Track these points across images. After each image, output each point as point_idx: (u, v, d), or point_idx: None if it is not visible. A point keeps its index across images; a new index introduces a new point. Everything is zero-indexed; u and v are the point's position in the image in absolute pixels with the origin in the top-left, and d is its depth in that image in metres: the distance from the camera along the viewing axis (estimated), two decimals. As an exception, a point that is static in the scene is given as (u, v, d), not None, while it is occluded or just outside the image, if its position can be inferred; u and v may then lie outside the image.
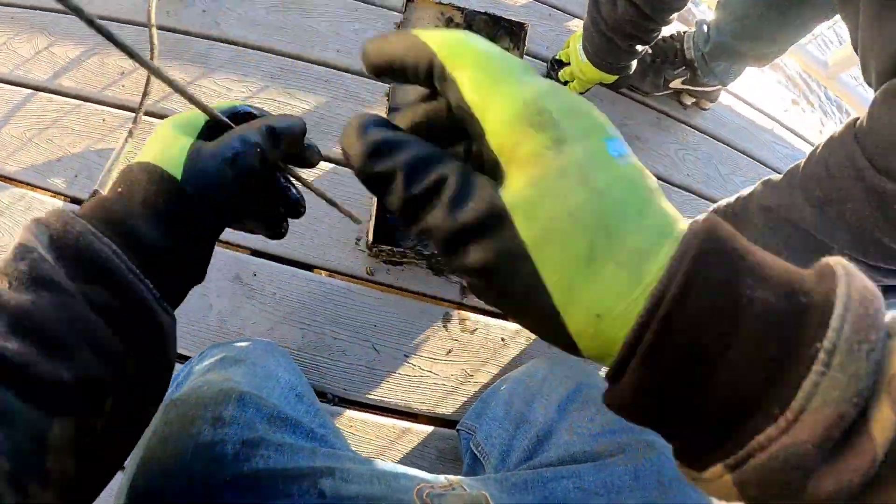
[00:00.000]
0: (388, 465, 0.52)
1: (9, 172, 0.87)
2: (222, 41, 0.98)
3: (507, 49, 0.88)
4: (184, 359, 0.69)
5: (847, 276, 0.19)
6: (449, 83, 0.22)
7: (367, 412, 0.82)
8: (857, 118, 0.50)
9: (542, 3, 1.10)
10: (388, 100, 0.88)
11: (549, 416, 0.60)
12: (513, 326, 0.89)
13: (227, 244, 0.85)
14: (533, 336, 0.90)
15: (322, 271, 0.86)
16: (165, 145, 0.33)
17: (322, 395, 0.81)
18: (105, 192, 0.33)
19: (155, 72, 0.28)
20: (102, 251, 0.29)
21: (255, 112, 0.38)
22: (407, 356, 0.84)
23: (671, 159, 1.10)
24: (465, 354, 0.86)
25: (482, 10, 0.87)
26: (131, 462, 0.42)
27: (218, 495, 0.40)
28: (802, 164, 0.55)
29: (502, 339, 0.88)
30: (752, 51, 0.98)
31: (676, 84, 1.09)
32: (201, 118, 0.35)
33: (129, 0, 1.00)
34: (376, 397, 0.82)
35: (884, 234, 0.46)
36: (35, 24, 0.97)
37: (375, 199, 0.82)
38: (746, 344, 0.18)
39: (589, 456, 0.53)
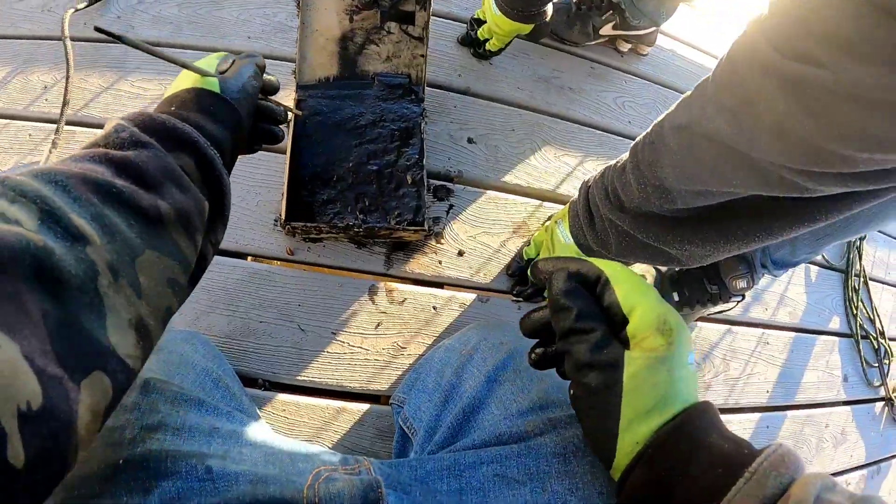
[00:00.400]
0: (296, 446, 0.51)
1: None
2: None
3: (414, 11, 0.85)
4: None
5: (780, 445, 0.31)
6: (609, 291, 0.37)
7: (299, 395, 0.80)
8: (761, 13, 0.44)
9: (458, -35, 1.07)
10: (295, 78, 0.87)
11: (478, 389, 0.56)
12: (444, 293, 0.86)
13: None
14: (467, 302, 0.87)
15: (244, 256, 0.85)
16: (198, 78, 0.46)
17: (253, 381, 0.80)
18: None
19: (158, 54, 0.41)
20: (187, 130, 0.40)
21: (235, 57, 0.53)
22: (335, 333, 0.82)
23: (609, 108, 1.05)
24: (396, 326, 0.83)
25: (386, -23, 0.84)
26: None
27: (111, 478, 0.40)
28: (712, 74, 0.50)
29: (434, 308, 0.85)
30: None
31: (608, 30, 1.04)
32: (210, 68, 0.49)
33: (51, 18, 1.01)
34: (307, 378, 0.80)
35: (805, 128, 0.40)
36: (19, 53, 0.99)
37: (287, 176, 0.80)
38: (702, 468, 0.32)
39: (515, 436, 0.49)
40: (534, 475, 0.46)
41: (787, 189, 0.46)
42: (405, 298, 0.85)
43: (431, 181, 0.91)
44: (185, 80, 0.47)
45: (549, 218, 0.89)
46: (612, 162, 0.67)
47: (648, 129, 0.59)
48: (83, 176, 0.32)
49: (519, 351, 0.59)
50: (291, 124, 0.84)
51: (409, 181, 0.84)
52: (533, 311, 0.43)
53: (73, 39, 0.96)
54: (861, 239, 1.22)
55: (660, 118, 0.57)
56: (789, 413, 1.06)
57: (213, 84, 0.46)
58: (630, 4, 0.99)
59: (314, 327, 0.82)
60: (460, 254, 0.89)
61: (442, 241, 0.89)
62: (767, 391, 1.05)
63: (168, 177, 0.37)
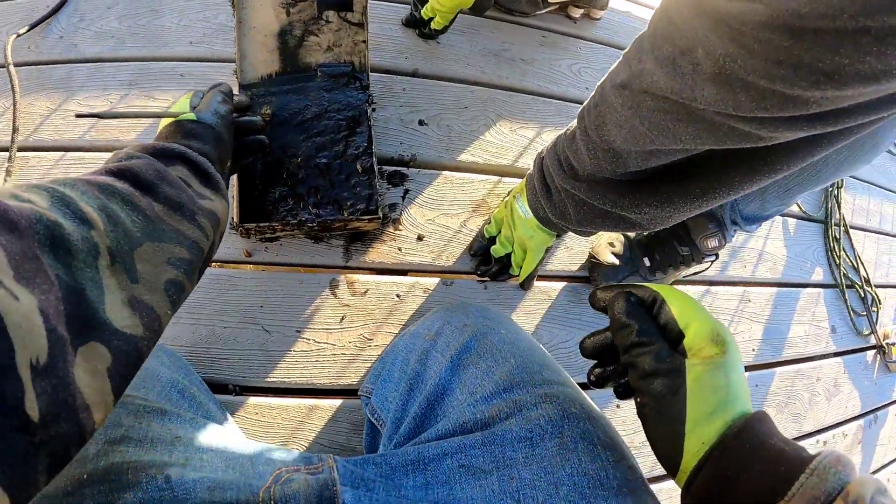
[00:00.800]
0: (259, 449, 0.52)
1: None
2: (80, 61, 0.97)
3: None
4: None
5: (834, 450, 0.34)
6: (665, 310, 0.41)
7: (270, 396, 0.79)
8: None
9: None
10: (237, 77, 0.85)
11: (442, 375, 0.55)
12: (407, 280, 0.85)
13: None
14: (431, 286, 0.85)
15: (202, 264, 0.84)
16: (174, 113, 0.55)
17: (224, 387, 0.79)
18: None
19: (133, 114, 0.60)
20: (174, 146, 0.47)
21: (203, 91, 0.62)
22: (299, 332, 0.81)
23: (564, 75, 1.03)
24: (360, 318, 0.82)
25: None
26: None
27: (76, 492, 0.40)
28: (648, 26, 0.48)
29: (397, 296, 0.84)
30: None
31: (555, -3, 1.02)
32: (185, 108, 0.59)
33: (-5, 44, 1.00)
34: (276, 379, 0.79)
35: (747, 69, 0.37)
36: None
37: (237, 181, 0.79)
38: (765, 467, 0.34)
39: (480, 423, 0.48)
40: (500, 463, 0.45)
41: (739, 139, 0.44)
42: (367, 289, 0.83)
43: (385, 167, 0.90)
44: (166, 121, 0.55)
45: (509, 193, 0.87)
46: (563, 130, 0.66)
47: (593, 92, 0.57)
48: (88, 179, 0.37)
49: (482, 331, 0.58)
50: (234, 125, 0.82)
51: (360, 170, 0.82)
52: (591, 334, 0.46)
53: (16, 65, 0.95)
54: (838, 187, 1.20)
55: (602, 79, 0.55)
56: (778, 370, 1.04)
57: (190, 115, 0.54)
58: None
59: (278, 327, 0.81)
60: (420, 238, 0.88)
61: (400, 227, 0.87)
62: (753, 349, 1.03)
63: (161, 177, 0.42)
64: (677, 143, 0.48)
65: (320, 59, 0.88)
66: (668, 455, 0.38)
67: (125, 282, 0.34)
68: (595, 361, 0.47)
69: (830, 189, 1.21)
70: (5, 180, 0.89)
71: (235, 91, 0.86)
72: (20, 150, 0.92)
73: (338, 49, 0.87)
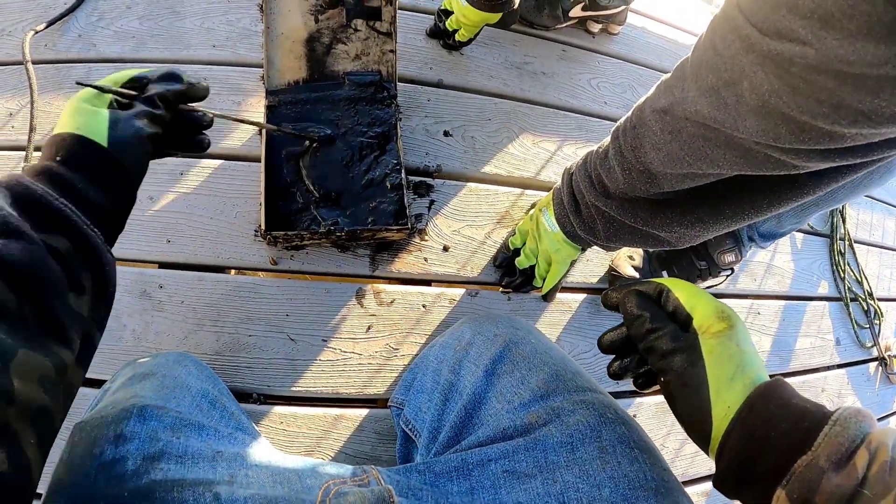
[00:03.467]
0: (302, 462, 0.51)
1: None
2: (100, 61, 0.95)
3: (380, 6, 0.83)
4: (100, 384, 0.66)
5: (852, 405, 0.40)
6: (672, 298, 0.44)
7: (296, 405, 0.78)
8: None
9: (423, -43, 1.05)
10: (264, 83, 0.85)
11: (478, 384, 0.56)
12: (433, 291, 0.85)
13: (130, 261, 0.82)
14: (456, 297, 0.86)
15: (227, 270, 0.83)
16: (88, 118, 0.43)
17: (248, 396, 0.78)
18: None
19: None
20: (62, 209, 0.38)
21: (146, 76, 0.49)
22: (325, 341, 0.81)
23: (583, 90, 1.04)
24: (387, 328, 0.82)
25: (348, -24, 0.82)
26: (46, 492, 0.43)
27: None
28: (691, 54, 0.49)
29: (423, 306, 0.84)
30: None
31: (577, 12, 1.03)
32: (106, 95, 0.46)
33: (10, 43, 0.98)
34: (302, 388, 0.79)
35: (790, 105, 0.39)
36: None
37: (263, 186, 0.78)
38: (790, 423, 0.36)
39: (520, 429, 0.50)
40: (543, 467, 0.46)
41: (774, 167, 0.46)
42: (393, 299, 0.83)
43: (411, 178, 0.90)
44: (73, 117, 0.43)
45: (533, 206, 0.88)
46: (594, 147, 0.67)
47: (629, 114, 0.59)
48: None
49: (514, 341, 0.59)
50: (264, 134, 0.82)
51: (389, 186, 0.82)
52: (607, 331, 0.49)
53: (34, 63, 0.93)
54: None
55: (640, 101, 0.56)
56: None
57: (101, 133, 0.43)
58: None
59: (304, 336, 0.80)
60: (445, 249, 0.88)
61: (426, 237, 0.88)
62: (763, 361, 1.05)
63: (38, 271, 0.35)
64: (714, 168, 0.50)
65: (348, 67, 0.88)
66: (698, 425, 0.40)
67: (1, 406, 0.29)
68: (613, 357, 0.49)
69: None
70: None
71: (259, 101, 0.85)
72: (37, 149, 0.90)
73: (366, 58, 0.87)
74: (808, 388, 1.08)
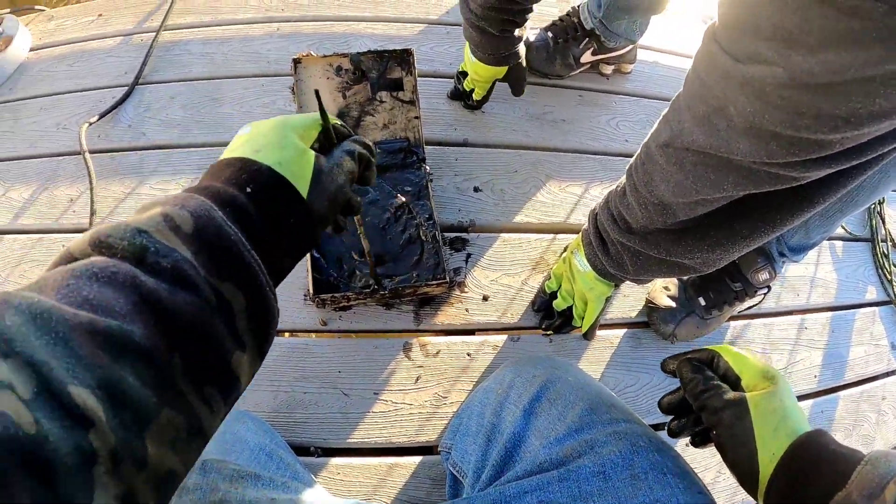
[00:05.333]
0: None
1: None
2: (150, 148, 1.10)
3: (402, 77, 0.95)
4: None
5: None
6: (722, 362, 0.54)
7: (351, 456, 0.87)
8: (713, 20, 0.50)
9: (438, 24, 1.18)
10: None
11: (517, 424, 0.61)
12: (476, 339, 0.94)
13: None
14: (499, 343, 0.94)
15: (281, 333, 0.94)
16: (294, 156, 0.41)
17: (306, 450, 0.87)
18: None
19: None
20: (251, 266, 0.36)
21: (345, 131, 0.50)
22: (377, 394, 0.90)
23: (603, 131, 1.14)
24: (434, 378, 0.91)
25: (366, 50, 0.95)
26: None
27: None
28: (682, 87, 0.56)
29: (468, 354, 0.93)
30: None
31: (588, 57, 1.14)
32: (315, 127, 0.45)
33: (67, 135, 1.13)
34: (356, 440, 0.88)
35: (774, 122, 0.45)
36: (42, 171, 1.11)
37: (309, 254, 0.89)
38: (828, 467, 0.43)
39: (555, 462, 0.54)
40: (577, 497, 0.50)
41: (776, 182, 0.51)
42: (439, 350, 0.92)
43: (446, 234, 1.00)
44: (277, 148, 0.41)
45: (566, 249, 0.96)
46: (614, 186, 0.74)
47: (639, 151, 0.66)
48: (90, 327, 0.28)
49: (551, 380, 0.64)
50: None
51: (424, 240, 0.93)
52: (666, 394, 0.59)
53: (90, 152, 1.08)
54: (880, 203, 1.27)
55: (646, 139, 0.63)
56: (842, 393, 1.09)
57: (303, 179, 0.41)
58: (603, 29, 1.09)
59: (356, 390, 0.90)
60: (485, 299, 0.97)
61: (465, 289, 0.97)
62: (815, 376, 1.08)
63: (202, 334, 0.33)
64: (720, 192, 0.55)
65: (378, 136, 0.99)
66: (747, 472, 0.48)
67: (130, 474, 0.28)
68: (672, 417, 0.59)
69: (873, 207, 1.27)
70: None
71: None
72: (98, 233, 1.03)
73: (393, 126, 0.99)
74: (867, 399, 1.10)
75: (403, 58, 0.95)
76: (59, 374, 0.25)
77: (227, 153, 0.42)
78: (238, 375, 0.36)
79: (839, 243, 1.24)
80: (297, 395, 0.89)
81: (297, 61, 0.93)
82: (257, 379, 0.89)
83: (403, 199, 0.96)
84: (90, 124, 1.11)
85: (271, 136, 0.42)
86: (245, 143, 0.42)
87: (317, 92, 0.45)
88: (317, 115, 0.44)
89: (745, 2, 0.43)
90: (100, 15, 1.34)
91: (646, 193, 0.64)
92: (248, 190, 0.38)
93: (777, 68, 0.41)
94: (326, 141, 0.46)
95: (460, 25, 1.21)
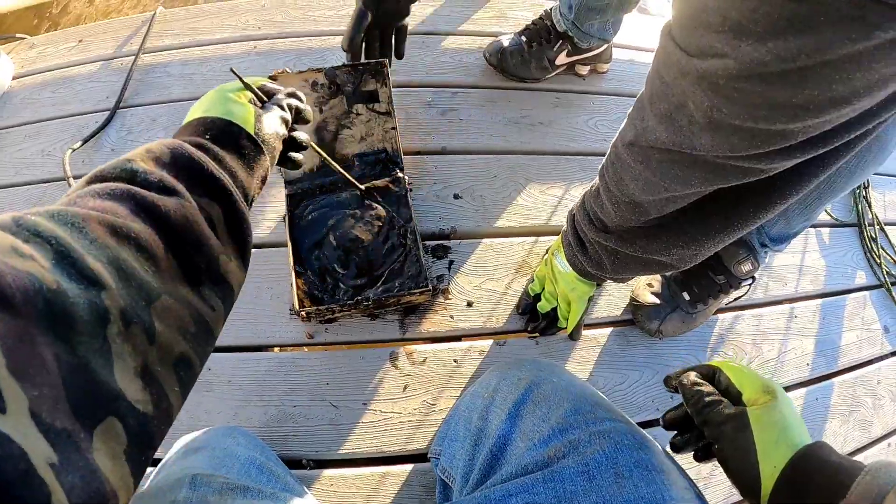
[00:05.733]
0: None
1: None
2: (133, 170, 1.12)
3: (376, 89, 0.97)
4: (157, 462, 0.78)
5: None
6: (723, 377, 0.56)
7: (343, 467, 0.88)
8: (668, 19, 0.50)
9: (412, 34, 1.20)
10: (282, 175, 0.99)
11: (502, 427, 0.62)
12: (462, 345, 0.96)
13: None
14: (485, 348, 0.96)
15: (268, 349, 0.96)
16: (237, 107, 0.52)
17: (298, 463, 0.89)
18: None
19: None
20: (221, 179, 0.44)
21: (274, 88, 0.60)
22: (366, 404, 0.91)
23: (581, 131, 1.16)
24: (422, 386, 0.93)
25: (341, 64, 0.97)
26: None
27: None
28: (645, 86, 0.56)
29: (454, 361, 0.94)
30: None
31: (563, 59, 1.16)
32: (246, 91, 0.55)
33: (52, 161, 1.16)
34: (347, 451, 0.89)
35: (732, 115, 0.44)
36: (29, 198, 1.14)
37: (292, 268, 0.91)
38: (828, 477, 0.45)
39: (540, 464, 0.55)
40: (561, 497, 0.51)
41: (744, 176, 0.52)
42: (425, 358, 0.94)
43: (428, 242, 1.02)
44: (221, 104, 0.51)
45: (547, 251, 0.98)
46: (589, 187, 0.76)
47: (608, 151, 0.67)
48: (100, 217, 0.33)
49: (536, 382, 0.65)
50: (287, 220, 0.95)
51: (405, 249, 0.95)
52: (669, 410, 0.62)
53: (75, 178, 1.10)
54: (864, 187, 1.28)
55: (614, 138, 0.64)
56: (836, 380, 1.10)
57: (248, 122, 0.51)
58: (576, 30, 1.10)
59: (345, 402, 0.91)
60: (469, 304, 0.99)
61: (449, 296, 0.99)
62: (808, 364, 1.10)
63: (190, 230, 0.39)
64: (689, 188, 0.56)
65: (356, 149, 1.01)
66: (749, 483, 0.49)
67: (143, 343, 0.32)
68: (675, 432, 0.61)
69: (858, 191, 1.28)
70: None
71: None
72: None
73: (370, 138, 1.01)
74: (862, 383, 1.11)
75: (377, 69, 0.97)
76: (77, 248, 0.30)
77: (185, 121, 0.51)
78: (229, 281, 0.42)
79: (826, 230, 1.25)
80: (286, 408, 0.91)
81: (272, 78, 0.95)
82: (247, 394, 0.91)
83: (383, 209, 0.98)
84: (73, 150, 1.13)
85: (214, 98, 0.53)
86: (195, 109, 0.52)
87: (232, 69, 0.57)
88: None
89: None
90: (80, 41, 1.36)
91: (617, 193, 0.65)
92: (208, 136, 0.48)
93: (728, 60, 0.41)
94: (257, 98, 0.56)
95: (436, 35, 1.26)
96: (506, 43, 1.18)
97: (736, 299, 1.06)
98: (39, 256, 0.28)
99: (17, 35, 1.43)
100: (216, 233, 0.42)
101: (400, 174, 1.01)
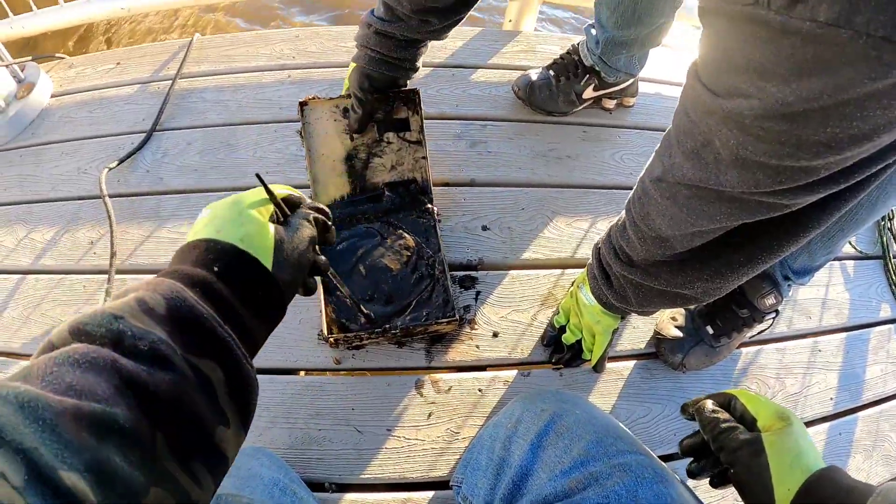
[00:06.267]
0: None
1: (15, 349, 1.05)
2: (168, 193, 1.17)
3: (407, 117, 1.01)
4: None
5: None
6: (738, 405, 0.59)
7: (366, 492, 0.90)
8: (695, 58, 0.53)
9: (443, 66, 1.25)
10: (312, 200, 1.03)
11: (525, 457, 0.65)
12: (487, 375, 0.98)
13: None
14: (510, 378, 0.99)
15: (296, 372, 0.99)
16: (254, 231, 0.45)
17: (321, 486, 0.91)
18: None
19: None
20: (226, 339, 0.39)
21: (297, 199, 0.53)
22: (389, 430, 0.94)
23: (608, 165, 1.19)
24: (446, 414, 0.95)
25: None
26: None
27: None
28: (672, 123, 0.59)
29: (479, 390, 0.97)
30: (639, 34, 1.07)
31: (590, 93, 1.20)
32: (268, 202, 0.48)
33: (88, 179, 1.21)
34: (370, 476, 0.91)
35: (758, 153, 0.47)
36: (12, 217, 1.19)
37: (322, 295, 0.95)
38: (842, 500, 0.47)
39: (560, 495, 0.57)
40: None
41: (769, 211, 0.54)
42: (450, 386, 0.97)
43: (455, 273, 1.06)
44: (237, 225, 0.44)
45: (573, 283, 1.01)
46: (615, 221, 0.78)
47: (635, 186, 0.69)
48: (75, 412, 0.29)
49: (559, 414, 0.67)
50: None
51: (433, 279, 0.98)
52: (686, 437, 0.65)
53: (110, 196, 1.15)
54: (889, 219, 1.28)
55: (641, 173, 0.67)
56: (860, 414, 1.10)
57: (265, 251, 0.44)
58: (603, 65, 1.15)
59: (370, 427, 0.94)
60: (495, 335, 1.02)
61: (475, 326, 1.02)
62: (831, 398, 1.10)
63: (183, 412, 0.35)
64: (715, 223, 0.58)
65: (386, 178, 1.05)
66: None
67: None
68: (692, 459, 0.64)
69: (882, 223, 1.28)
70: (105, 300, 1.06)
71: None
72: (118, 272, 1.10)
73: (401, 167, 1.05)
74: (887, 417, 1.11)
75: (409, 97, 1.00)
76: (49, 460, 0.27)
77: (191, 236, 0.45)
78: (223, 450, 0.38)
79: (850, 262, 1.26)
80: (311, 431, 0.94)
81: (303, 104, 0.98)
82: (273, 416, 0.94)
83: (412, 240, 1.02)
84: (110, 169, 1.19)
85: (229, 215, 0.46)
86: (207, 224, 0.45)
87: (258, 175, 0.48)
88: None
89: (721, 38, 0.46)
90: (118, 63, 1.43)
91: (644, 227, 0.67)
92: (216, 269, 0.42)
93: (754, 100, 0.43)
94: (280, 213, 0.49)
95: (465, 68, 1.30)
96: (534, 77, 1.22)
97: (759, 333, 1.07)
98: (10, 473, 0.26)
99: (57, 55, 1.50)
100: (216, 399, 0.37)
101: (430, 206, 1.05)
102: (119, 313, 0.35)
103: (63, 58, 1.49)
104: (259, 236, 0.45)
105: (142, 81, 1.37)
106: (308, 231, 0.50)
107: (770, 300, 0.98)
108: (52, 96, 1.39)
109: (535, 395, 0.77)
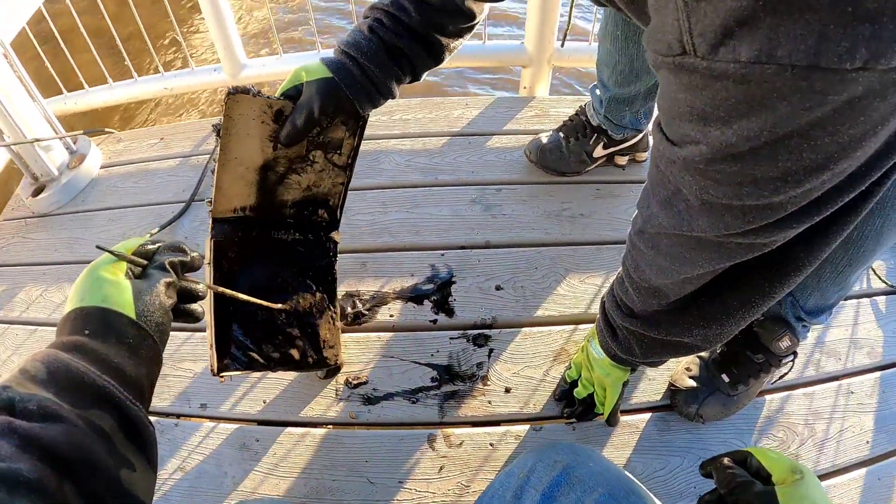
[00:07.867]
0: None
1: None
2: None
3: (342, 139, 0.92)
4: None
5: None
6: (754, 461, 0.61)
7: (376, 543, 0.97)
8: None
9: (460, 135, 1.38)
10: (209, 208, 0.92)
11: None
12: (499, 430, 1.04)
13: (231, 419, 1.08)
14: (522, 433, 1.04)
15: (314, 426, 1.07)
16: (112, 290, 0.50)
17: (333, 536, 0.98)
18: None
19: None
20: (106, 386, 0.43)
21: (152, 248, 0.57)
22: (401, 482, 1.00)
23: (621, 220, 1.27)
24: (458, 468, 1.01)
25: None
26: None
27: None
28: (647, 178, 0.63)
29: (491, 444, 1.03)
30: (640, 90, 1.16)
31: (600, 151, 1.30)
32: (119, 260, 0.53)
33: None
34: (382, 528, 0.98)
35: (720, 196, 0.49)
36: (62, 276, 1.34)
37: (209, 330, 0.88)
38: None
39: None
40: None
41: (748, 251, 0.56)
42: (462, 441, 1.03)
43: (469, 331, 1.14)
44: (94, 290, 0.49)
45: (586, 338, 1.07)
46: (616, 275, 0.84)
47: (627, 241, 0.75)
48: None
49: (571, 465, 0.70)
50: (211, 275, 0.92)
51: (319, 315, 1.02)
52: (704, 495, 0.67)
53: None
54: None
55: (629, 228, 0.73)
56: None
57: (127, 304, 0.49)
58: (609, 123, 1.24)
59: (382, 479, 1.00)
60: (507, 391, 1.08)
61: (488, 382, 1.09)
62: (867, 441, 1.07)
63: (84, 459, 0.38)
64: (698, 269, 0.61)
65: (296, 196, 0.98)
66: None
67: None
68: None
69: None
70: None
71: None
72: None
73: (316, 189, 0.99)
74: None
75: (355, 118, 0.91)
76: None
77: (66, 310, 0.51)
78: (134, 493, 0.41)
79: (881, 298, 1.24)
80: (326, 482, 1.00)
81: (230, 93, 0.79)
82: (289, 467, 1.02)
83: (284, 307, 0.99)
84: (152, 234, 1.34)
85: (87, 283, 0.51)
86: (71, 298, 0.51)
87: (98, 246, 0.52)
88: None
89: (669, 89, 0.48)
90: (161, 139, 1.62)
91: (637, 279, 0.73)
92: (87, 332, 0.47)
93: (702, 146, 0.46)
94: (136, 265, 0.54)
95: (481, 135, 1.42)
96: (544, 140, 1.33)
97: (780, 378, 1.07)
98: None
99: (106, 129, 1.70)
100: (114, 444, 0.42)
101: (333, 234, 1.05)
102: (6, 384, 0.40)
103: (112, 132, 1.70)
104: (117, 293, 0.50)
105: (182, 155, 1.55)
106: (163, 275, 0.54)
107: (785, 343, 0.98)
108: (102, 167, 1.58)
109: (548, 446, 0.79)
